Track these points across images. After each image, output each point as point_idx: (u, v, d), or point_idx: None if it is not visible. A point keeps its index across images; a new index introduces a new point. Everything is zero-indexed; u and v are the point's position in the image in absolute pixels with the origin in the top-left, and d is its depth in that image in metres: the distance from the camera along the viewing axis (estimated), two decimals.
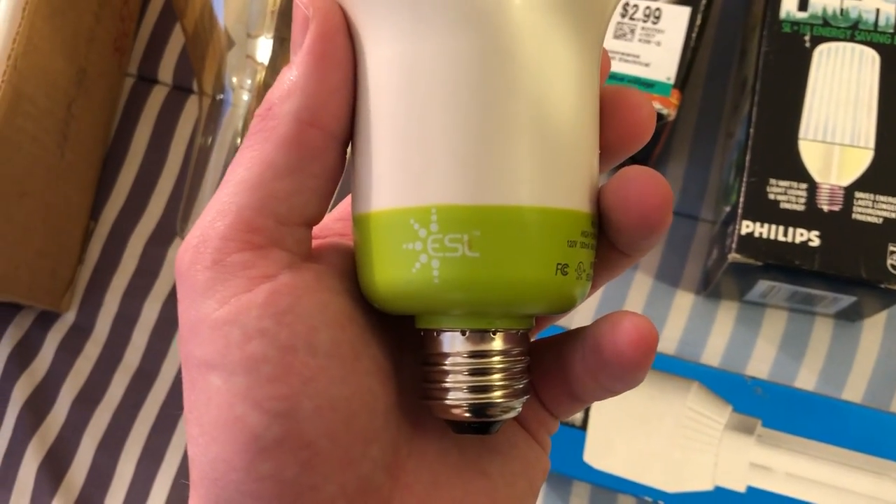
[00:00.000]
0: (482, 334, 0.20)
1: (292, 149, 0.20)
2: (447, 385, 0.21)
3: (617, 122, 0.21)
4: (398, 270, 0.20)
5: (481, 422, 0.21)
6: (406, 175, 0.19)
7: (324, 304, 0.20)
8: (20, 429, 0.48)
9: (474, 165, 0.19)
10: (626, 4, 0.44)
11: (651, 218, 0.20)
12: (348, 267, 0.22)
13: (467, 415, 0.21)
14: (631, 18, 0.44)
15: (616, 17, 0.44)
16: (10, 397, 0.49)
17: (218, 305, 0.19)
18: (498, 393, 0.21)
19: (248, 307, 0.19)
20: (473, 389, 0.21)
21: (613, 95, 0.21)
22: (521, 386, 0.21)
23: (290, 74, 0.20)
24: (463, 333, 0.20)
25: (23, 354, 0.50)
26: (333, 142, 0.20)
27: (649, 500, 0.41)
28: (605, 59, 0.23)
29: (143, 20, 0.55)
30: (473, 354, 0.20)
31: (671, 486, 0.41)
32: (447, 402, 0.21)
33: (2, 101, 0.42)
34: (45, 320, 0.51)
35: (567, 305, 0.21)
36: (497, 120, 0.19)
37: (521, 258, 0.19)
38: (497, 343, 0.21)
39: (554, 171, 0.20)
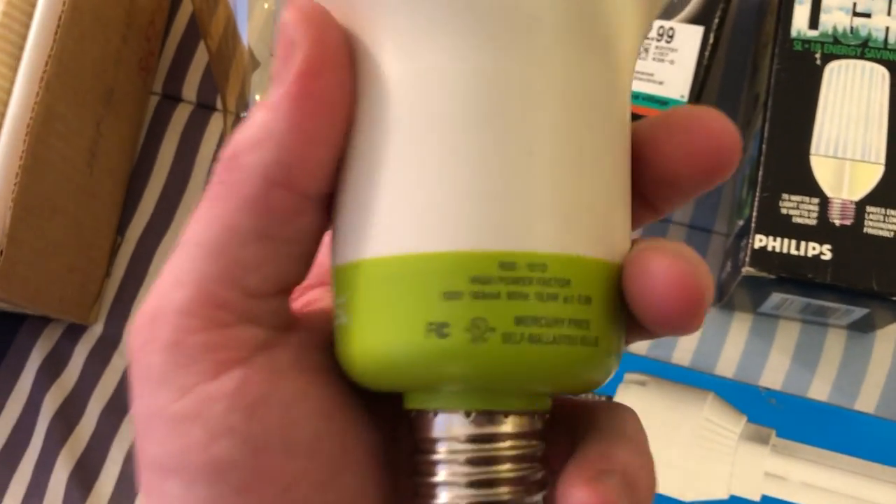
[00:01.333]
0: (487, 417, 0.17)
1: (258, 212, 0.16)
2: (440, 480, 0.17)
3: (690, 150, 0.17)
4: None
5: None
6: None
7: (304, 390, 0.17)
8: (51, 439, 0.49)
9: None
10: None
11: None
12: None
13: None
14: (645, 37, 0.45)
15: None
16: (40, 408, 0.50)
17: (177, 396, 0.16)
18: (505, 489, 0.17)
19: (213, 399, 0.15)
20: (475, 484, 0.17)
21: (687, 118, 0.17)
22: (537, 478, 0.18)
23: (264, 116, 0.16)
24: (467, 415, 0.17)
25: (52, 366, 0.51)
26: (309, 204, 0.16)
27: None
28: None
29: (168, 39, 0.56)
30: (475, 439, 0.17)
31: (687, 495, 0.42)
32: (438, 501, 0.17)
33: (35, 121, 0.43)
34: (74, 333, 0.52)
35: (475, 376, 0.16)
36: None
37: (380, 321, 0.16)
38: (508, 425, 0.17)
39: (418, 207, 0.16)
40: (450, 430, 0.17)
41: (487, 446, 0.17)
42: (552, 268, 0.16)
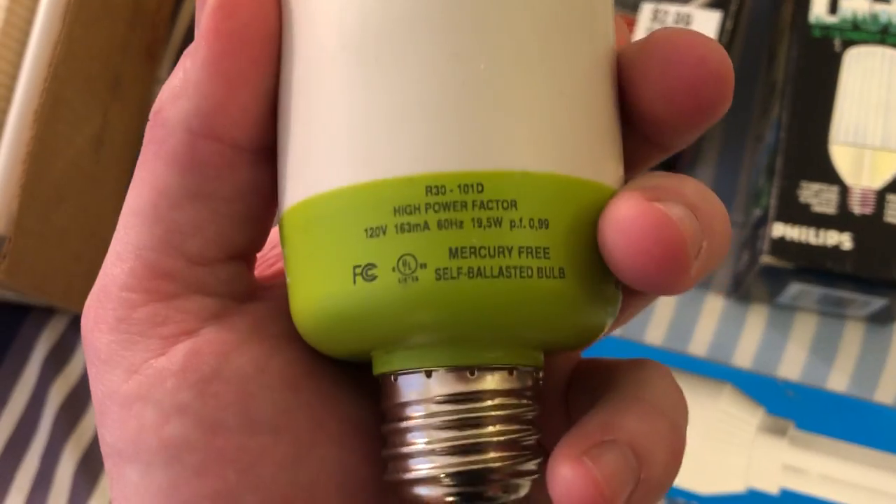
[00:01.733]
0: (460, 373, 0.15)
1: (185, 169, 0.15)
2: (413, 449, 0.15)
3: (670, 87, 0.15)
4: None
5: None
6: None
7: (265, 361, 0.15)
8: (57, 431, 0.49)
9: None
10: (657, 10, 0.45)
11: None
12: None
13: (449, 497, 0.15)
14: (662, 23, 0.45)
15: (647, 22, 0.45)
16: (46, 400, 0.50)
17: (126, 376, 0.15)
18: (494, 454, 0.15)
19: (162, 377, 0.14)
20: (456, 451, 0.14)
21: (665, 44, 0.15)
22: (530, 442, 0.15)
23: (182, 63, 0.15)
24: (428, 375, 0.15)
25: (58, 357, 0.51)
26: (239, 155, 0.15)
27: (682, 501, 0.42)
28: (620, 25, 0.17)
29: (175, 26, 0.56)
30: (452, 399, 0.15)
31: (704, 487, 0.42)
32: (413, 474, 0.15)
33: (43, 107, 0.43)
34: (79, 324, 0.51)
35: (409, 324, 0.14)
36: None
37: (309, 272, 0.14)
38: (486, 382, 0.15)
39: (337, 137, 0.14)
40: (410, 392, 0.15)
41: (457, 407, 0.14)
42: (491, 187, 0.13)
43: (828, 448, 0.41)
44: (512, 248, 0.13)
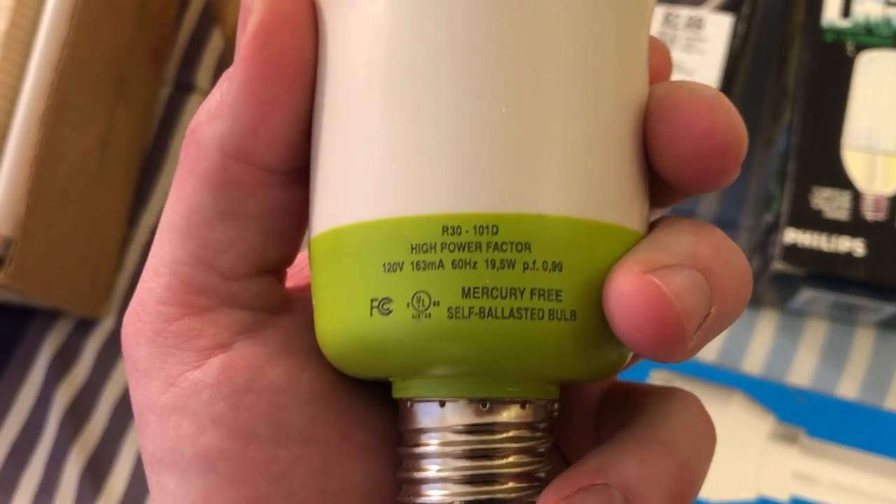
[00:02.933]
0: (473, 404, 0.15)
1: (216, 188, 0.15)
2: (426, 475, 0.15)
3: (675, 151, 0.15)
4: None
5: None
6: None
7: (296, 373, 0.16)
8: (63, 435, 0.49)
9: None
10: (669, 13, 0.44)
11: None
12: None
13: None
14: (674, 27, 0.44)
15: (658, 26, 0.44)
16: (51, 404, 0.50)
17: (164, 388, 0.15)
18: (505, 485, 0.15)
19: (197, 389, 0.15)
20: (467, 480, 0.15)
21: (672, 106, 0.15)
22: (541, 474, 0.16)
23: (220, 86, 0.15)
24: (441, 405, 0.15)
25: (63, 361, 0.50)
26: (270, 177, 0.15)
27: None
28: (659, 48, 0.18)
29: (182, 25, 0.55)
30: (465, 430, 0.15)
31: (714, 495, 0.41)
32: (425, 499, 0.15)
33: (49, 110, 0.42)
34: (85, 327, 0.51)
35: (422, 359, 0.14)
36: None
37: (331, 300, 0.15)
38: (499, 415, 0.15)
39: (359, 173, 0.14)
40: (425, 419, 0.15)
41: (470, 438, 0.15)
42: (505, 230, 0.14)
43: (839, 456, 0.41)
44: (524, 289, 0.14)
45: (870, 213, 0.40)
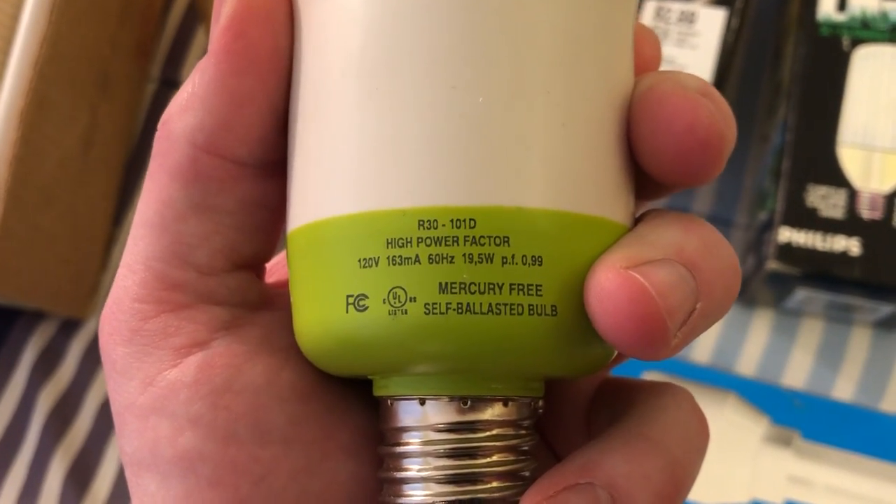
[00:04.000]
0: (455, 402, 0.15)
1: (188, 182, 0.15)
2: (407, 475, 0.15)
3: (657, 146, 0.14)
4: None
5: None
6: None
7: (276, 371, 0.15)
8: (46, 438, 0.48)
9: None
10: (661, 7, 0.44)
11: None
12: None
13: None
14: (666, 21, 0.43)
15: (650, 20, 0.43)
16: (34, 406, 0.49)
17: (142, 388, 0.15)
18: (488, 484, 0.15)
19: (176, 389, 0.15)
20: (449, 480, 0.14)
21: (657, 100, 0.14)
22: (525, 473, 0.15)
23: (191, 79, 0.15)
24: (422, 403, 0.15)
25: (47, 362, 0.50)
26: (242, 170, 0.15)
27: None
28: (649, 37, 0.17)
29: (167, 21, 0.55)
30: (446, 428, 0.15)
31: (707, 498, 0.41)
32: (407, 500, 0.15)
33: (28, 108, 0.42)
34: (69, 328, 0.50)
35: (399, 356, 0.14)
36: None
37: (308, 297, 0.14)
38: (481, 412, 0.15)
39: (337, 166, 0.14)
40: (406, 418, 0.15)
41: (451, 436, 0.15)
42: (483, 223, 0.13)
43: (834, 459, 0.40)
44: (503, 284, 0.13)
45: (866, 212, 0.39)
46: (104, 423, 0.48)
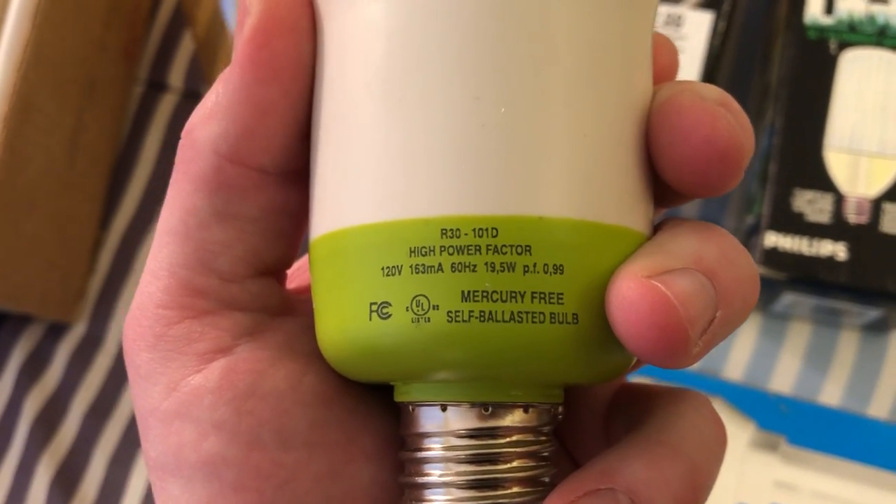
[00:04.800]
0: (476, 408, 0.15)
1: (211, 190, 0.15)
2: (428, 480, 0.15)
3: (676, 158, 0.15)
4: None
5: None
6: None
7: (298, 377, 0.15)
8: (32, 443, 0.48)
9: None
10: None
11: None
12: None
13: None
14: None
15: None
16: (21, 411, 0.49)
17: (166, 393, 0.15)
18: (508, 490, 0.15)
19: (199, 394, 0.15)
20: (470, 486, 0.15)
21: (676, 111, 0.15)
22: (546, 479, 0.16)
23: (216, 88, 0.15)
24: (443, 409, 0.15)
25: (34, 367, 0.49)
26: (265, 178, 0.15)
27: None
28: (666, 45, 0.17)
29: (154, 23, 0.54)
30: (467, 434, 0.15)
31: None
32: None
33: (12, 112, 0.41)
34: (56, 332, 0.50)
35: (422, 363, 0.14)
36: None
37: (330, 304, 0.15)
38: (501, 419, 0.15)
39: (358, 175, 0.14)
40: (427, 423, 0.15)
41: (472, 442, 0.15)
42: (505, 232, 0.13)
43: (821, 464, 0.40)
44: (525, 293, 0.13)
45: (852, 216, 0.39)
46: (91, 428, 0.48)
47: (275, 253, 0.16)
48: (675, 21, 0.43)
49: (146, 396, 0.15)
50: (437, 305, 0.13)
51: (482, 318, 0.13)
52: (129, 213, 0.52)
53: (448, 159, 0.14)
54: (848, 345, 0.45)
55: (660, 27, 0.43)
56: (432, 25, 0.14)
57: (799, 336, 0.46)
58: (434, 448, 0.15)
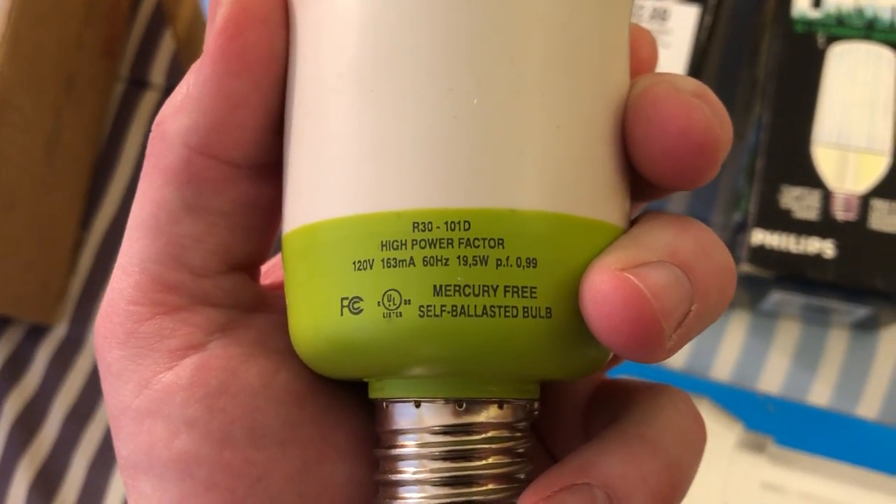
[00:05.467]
0: (450, 405, 0.15)
1: (182, 183, 0.15)
2: (403, 478, 0.15)
3: (652, 150, 0.14)
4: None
5: None
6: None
7: (270, 374, 0.15)
8: (11, 446, 0.47)
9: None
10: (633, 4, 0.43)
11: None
12: None
13: None
14: (637, 19, 0.43)
15: None
16: (0, 414, 0.48)
17: (137, 391, 0.15)
18: (483, 487, 0.15)
19: (171, 391, 0.15)
20: (445, 482, 0.14)
21: (651, 103, 0.14)
22: (521, 475, 0.15)
23: (186, 80, 0.15)
24: (417, 405, 0.15)
25: (13, 369, 0.49)
26: (236, 172, 0.15)
27: None
28: (645, 38, 0.17)
29: (135, 21, 0.54)
30: (441, 431, 0.15)
31: None
32: (402, 503, 0.15)
33: None
34: (36, 334, 0.50)
35: (394, 359, 0.14)
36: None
37: (302, 299, 0.14)
38: (476, 415, 0.15)
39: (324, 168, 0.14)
40: (401, 420, 0.15)
41: (446, 439, 0.15)
42: (477, 225, 0.13)
43: (808, 465, 0.40)
44: (497, 287, 0.13)
45: (840, 213, 0.39)
46: (72, 431, 0.48)
47: (247, 248, 0.16)
48: (661, 15, 0.42)
49: (117, 394, 0.15)
50: (409, 300, 0.13)
51: (454, 313, 0.13)
52: (110, 213, 0.51)
53: (420, 151, 0.13)
54: (837, 344, 0.45)
55: (645, 21, 0.43)
56: (406, 16, 0.14)
57: (787, 335, 0.45)
58: (408, 445, 0.15)
